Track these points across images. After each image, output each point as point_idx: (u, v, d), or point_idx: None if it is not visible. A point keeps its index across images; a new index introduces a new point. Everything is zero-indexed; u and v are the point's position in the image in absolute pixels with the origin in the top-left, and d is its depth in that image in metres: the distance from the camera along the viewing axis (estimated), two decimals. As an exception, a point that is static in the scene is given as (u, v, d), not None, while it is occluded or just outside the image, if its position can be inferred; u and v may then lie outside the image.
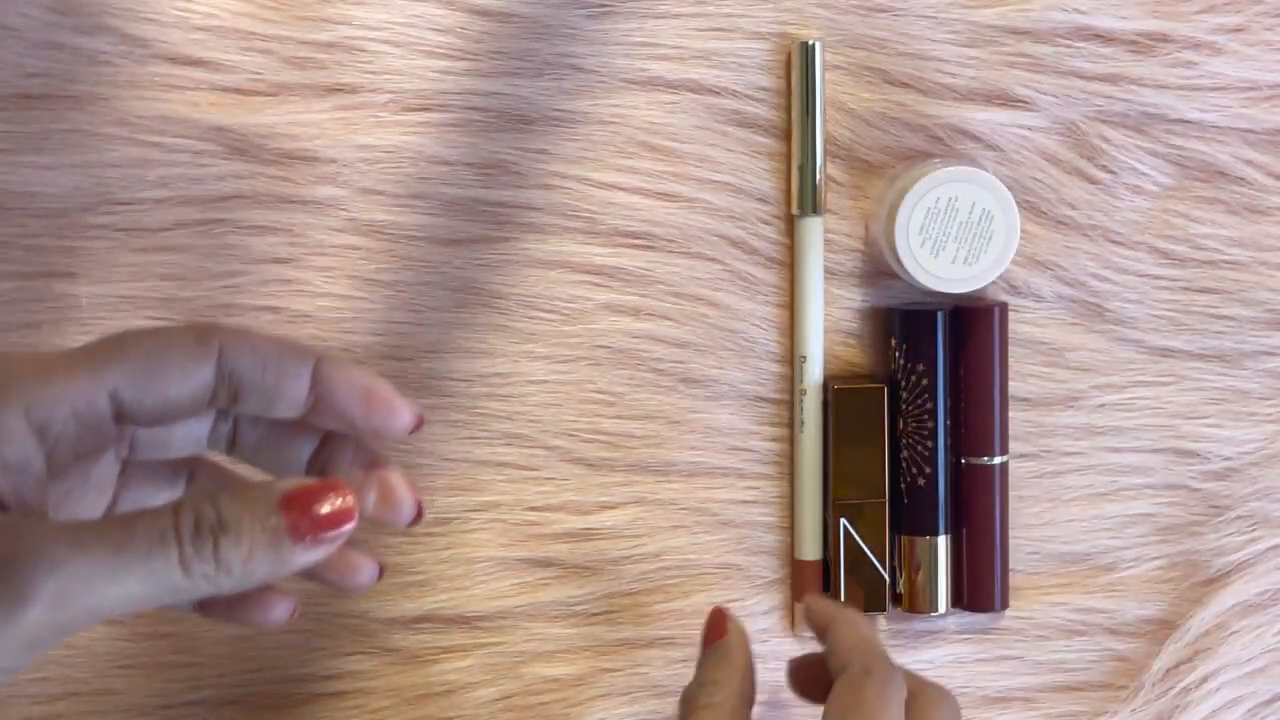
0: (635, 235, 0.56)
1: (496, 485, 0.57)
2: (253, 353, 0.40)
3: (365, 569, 0.44)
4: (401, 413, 0.42)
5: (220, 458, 0.44)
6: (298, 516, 0.37)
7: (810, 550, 0.57)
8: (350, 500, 0.38)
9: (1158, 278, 0.58)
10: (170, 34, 0.54)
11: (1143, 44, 0.56)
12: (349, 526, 0.38)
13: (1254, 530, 0.59)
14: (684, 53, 0.55)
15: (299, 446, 0.43)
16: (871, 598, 0.57)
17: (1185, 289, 0.58)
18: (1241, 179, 0.57)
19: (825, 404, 0.57)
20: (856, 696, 0.44)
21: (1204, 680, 0.58)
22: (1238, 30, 0.56)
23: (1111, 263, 0.57)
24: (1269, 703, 0.59)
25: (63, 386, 0.38)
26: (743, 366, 0.57)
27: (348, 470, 0.43)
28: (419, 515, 0.43)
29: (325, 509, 0.38)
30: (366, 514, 0.41)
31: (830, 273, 0.57)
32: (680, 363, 0.57)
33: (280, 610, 0.44)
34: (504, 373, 0.56)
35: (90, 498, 0.42)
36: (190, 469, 0.44)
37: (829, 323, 0.57)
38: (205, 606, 0.43)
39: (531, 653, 0.57)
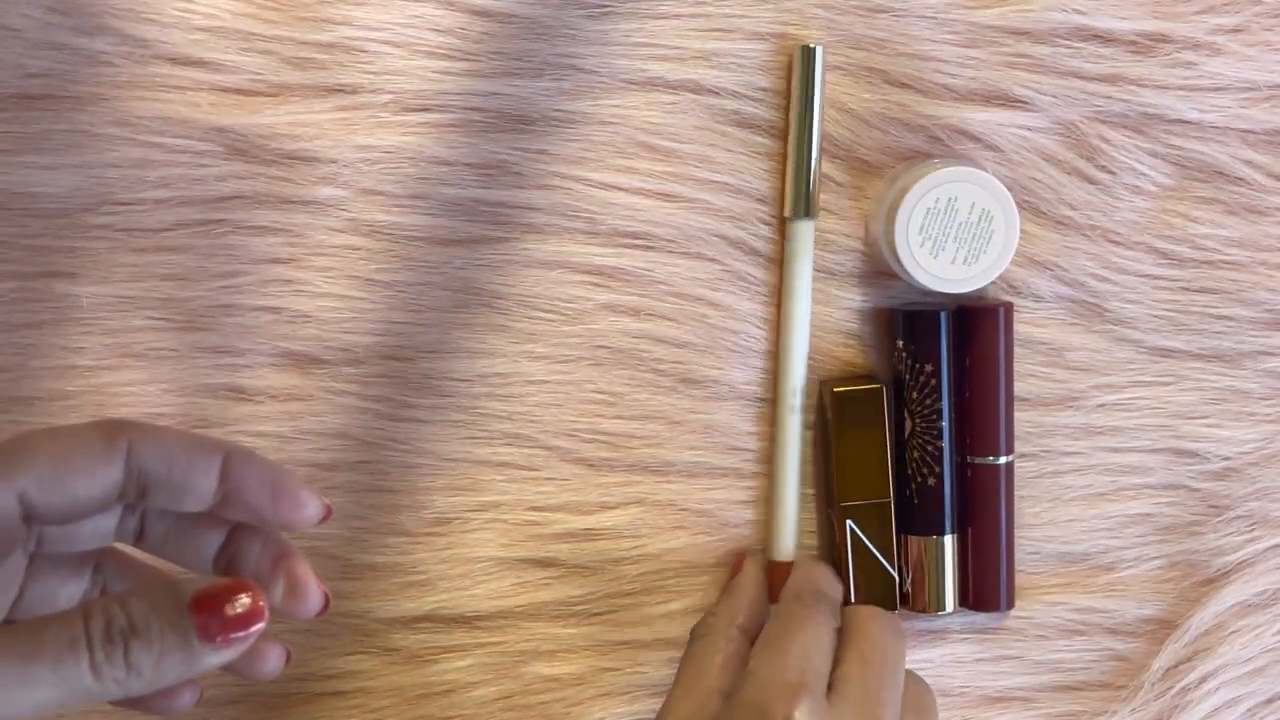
0: (635, 235, 0.56)
1: (497, 485, 0.57)
2: (161, 450, 0.41)
3: (272, 657, 0.44)
4: (308, 505, 0.43)
5: (128, 548, 0.46)
6: (207, 618, 0.38)
7: (784, 551, 0.57)
8: (260, 600, 0.39)
9: (1157, 278, 0.58)
10: (171, 34, 0.54)
11: (1142, 44, 0.56)
12: (259, 626, 0.39)
13: (1253, 530, 0.59)
14: (684, 53, 0.55)
15: (207, 538, 0.45)
16: (881, 598, 0.57)
17: (1185, 289, 0.58)
18: (1241, 179, 0.57)
19: (821, 406, 0.57)
20: (782, 620, 0.48)
21: (1203, 680, 0.58)
22: (1237, 31, 0.56)
23: (1111, 263, 0.57)
24: (1268, 702, 0.59)
25: None
26: (743, 366, 0.57)
27: (256, 563, 0.44)
28: (326, 605, 0.44)
29: (235, 610, 0.39)
30: (275, 607, 0.43)
31: (830, 273, 0.57)
32: (680, 363, 0.57)
33: (187, 698, 0.44)
34: (504, 373, 0.56)
35: None
36: (97, 559, 0.45)
37: (829, 323, 0.57)
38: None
39: (532, 652, 0.57)
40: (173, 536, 0.44)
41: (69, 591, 0.44)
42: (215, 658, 0.38)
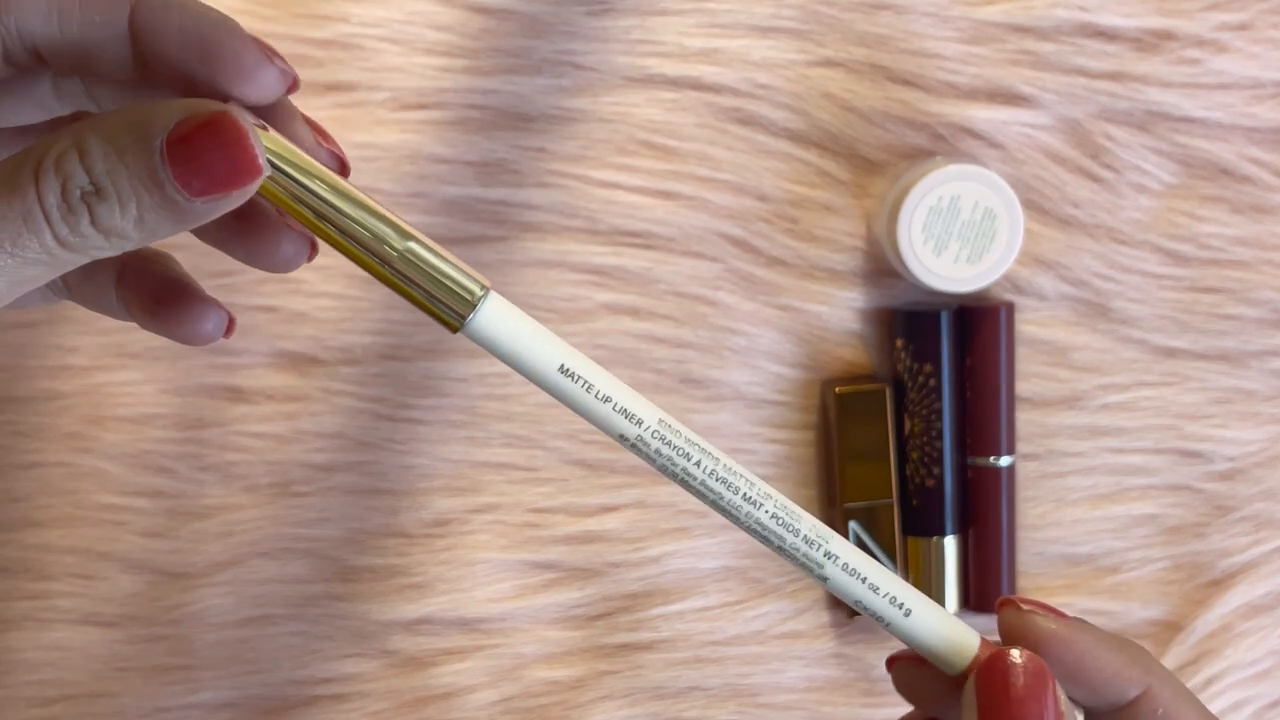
0: (635, 234, 0.56)
1: (496, 487, 0.56)
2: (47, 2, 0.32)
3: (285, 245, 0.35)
4: (259, 69, 0.32)
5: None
6: (186, 169, 0.29)
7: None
8: (244, 130, 0.30)
9: (1162, 277, 0.57)
10: (166, 31, 0.53)
11: (1147, 42, 0.56)
12: (254, 182, 0.30)
13: (1259, 531, 0.58)
14: (684, 50, 0.55)
15: None
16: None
17: (1189, 288, 0.58)
18: (1246, 177, 0.57)
19: (823, 406, 0.57)
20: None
21: (1209, 682, 0.58)
22: (1242, 28, 0.56)
23: (1115, 262, 0.57)
24: (1274, 705, 0.59)
25: None
26: (743, 367, 0.57)
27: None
28: (343, 171, 0.35)
29: (219, 159, 0.30)
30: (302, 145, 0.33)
31: (831, 272, 0.57)
32: (680, 363, 0.57)
33: (213, 322, 0.36)
34: (504, 373, 0.56)
35: None
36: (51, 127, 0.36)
37: (831, 323, 0.57)
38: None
39: (531, 655, 0.57)
40: (126, 97, 0.34)
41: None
42: (210, 208, 0.30)
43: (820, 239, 0.56)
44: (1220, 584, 0.59)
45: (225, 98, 0.32)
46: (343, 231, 0.32)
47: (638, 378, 0.56)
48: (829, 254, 0.57)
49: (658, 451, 0.34)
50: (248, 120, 0.30)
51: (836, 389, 0.56)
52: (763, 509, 0.35)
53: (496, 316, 0.33)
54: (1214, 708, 0.58)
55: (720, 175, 0.56)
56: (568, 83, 0.55)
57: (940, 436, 0.56)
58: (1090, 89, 0.56)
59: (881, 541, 0.56)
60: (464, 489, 0.56)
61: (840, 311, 0.57)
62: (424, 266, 0.32)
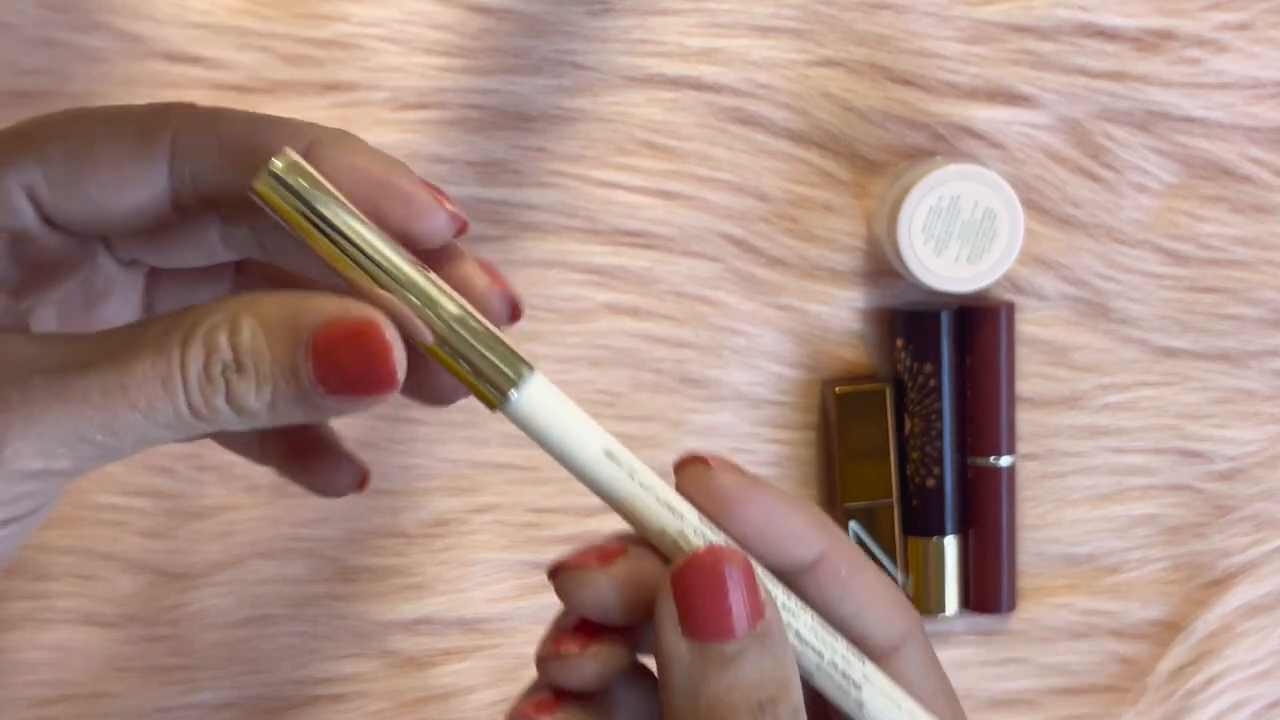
0: (635, 234, 0.56)
1: (495, 487, 0.56)
2: (219, 149, 0.32)
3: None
4: (429, 212, 0.31)
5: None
6: (325, 369, 0.30)
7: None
8: (389, 344, 0.30)
9: (1162, 277, 0.57)
10: (166, 31, 0.53)
11: (1147, 41, 0.56)
12: (387, 394, 0.30)
13: (1259, 531, 0.58)
14: (684, 50, 0.55)
15: None
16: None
17: (1190, 288, 0.57)
18: (1247, 177, 0.57)
19: (823, 406, 0.57)
20: None
21: (1209, 683, 0.58)
22: (1242, 28, 0.56)
23: (1116, 262, 0.57)
24: (1275, 705, 0.59)
25: None
26: (743, 367, 0.57)
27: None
28: (515, 312, 0.34)
29: (359, 366, 0.30)
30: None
31: (832, 272, 0.57)
32: (680, 363, 0.56)
33: (344, 477, 0.37)
34: (503, 373, 0.56)
35: (105, 307, 0.35)
36: (237, 269, 0.37)
37: (831, 322, 0.57)
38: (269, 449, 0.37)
39: (530, 656, 0.57)
40: (285, 251, 0.34)
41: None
42: (345, 408, 0.30)
43: (820, 239, 0.56)
44: (1221, 584, 0.59)
45: (398, 237, 0.31)
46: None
47: (638, 378, 0.56)
48: (829, 254, 0.56)
49: (794, 631, 0.32)
50: (394, 333, 0.30)
51: (836, 389, 0.56)
52: (800, 620, 0.33)
53: (540, 397, 0.31)
54: (1214, 708, 0.58)
55: (720, 175, 0.56)
56: (568, 82, 0.55)
57: (940, 436, 0.56)
58: (1090, 89, 0.56)
59: (881, 542, 0.56)
60: (463, 489, 0.56)
61: (840, 311, 0.57)
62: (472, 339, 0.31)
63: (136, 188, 0.32)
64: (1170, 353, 0.58)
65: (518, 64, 0.55)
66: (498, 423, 0.56)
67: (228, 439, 0.37)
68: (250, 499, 0.56)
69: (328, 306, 0.30)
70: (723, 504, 0.33)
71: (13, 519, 0.30)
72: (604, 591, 0.32)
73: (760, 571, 0.32)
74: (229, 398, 0.30)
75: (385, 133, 0.54)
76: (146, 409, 0.29)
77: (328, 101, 0.54)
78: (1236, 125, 0.57)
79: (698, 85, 0.55)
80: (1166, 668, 0.58)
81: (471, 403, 0.56)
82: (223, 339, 0.29)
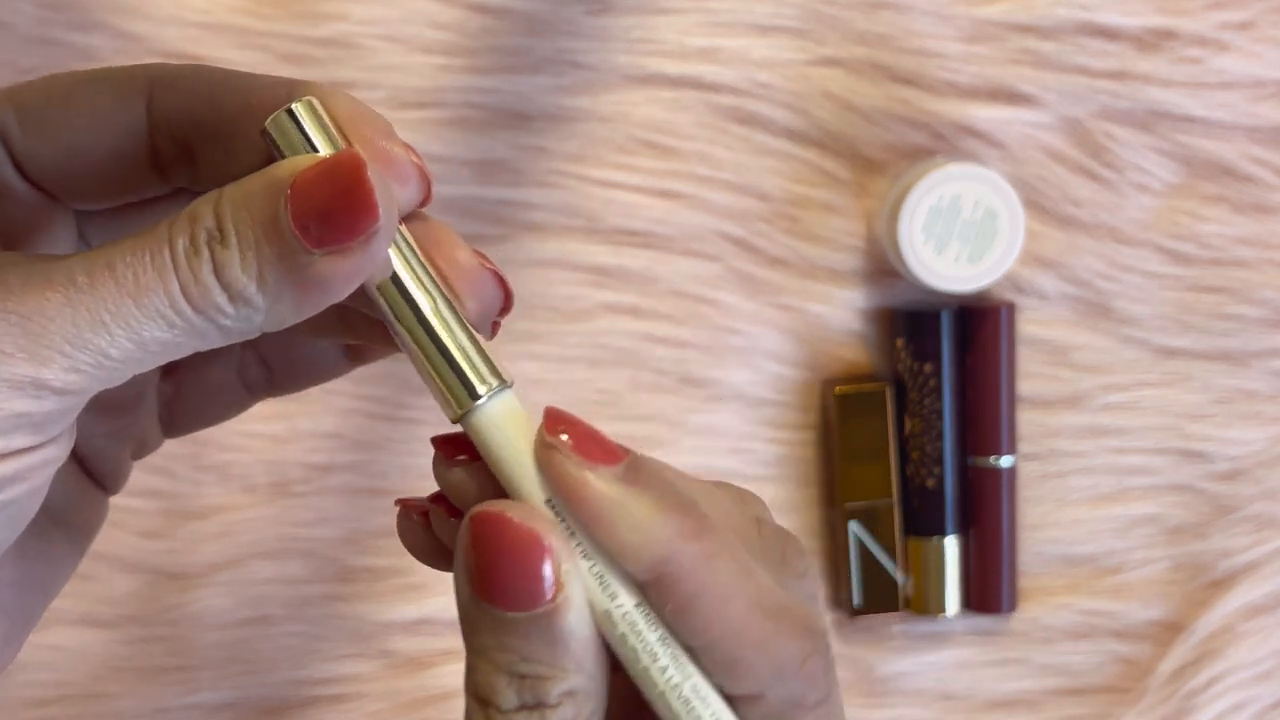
0: (635, 234, 0.56)
1: (495, 486, 0.56)
2: (197, 92, 0.31)
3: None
4: (406, 175, 0.30)
5: None
6: (303, 212, 0.28)
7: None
8: (364, 172, 0.28)
9: (1163, 276, 0.57)
10: (164, 30, 0.53)
11: (1148, 40, 0.56)
12: (377, 226, 0.28)
13: (1260, 532, 0.58)
14: (684, 49, 0.55)
15: None
16: (884, 600, 0.56)
17: (1191, 288, 0.57)
18: (1248, 177, 0.57)
19: (824, 406, 0.57)
20: None
21: (1210, 683, 0.58)
22: (1244, 27, 0.56)
23: (1117, 261, 0.57)
24: (1276, 706, 0.59)
25: None
26: (743, 367, 0.57)
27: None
28: (507, 297, 0.32)
29: (335, 199, 0.28)
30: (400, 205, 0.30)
31: (832, 271, 0.57)
32: (680, 363, 0.56)
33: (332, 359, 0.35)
34: (502, 373, 0.56)
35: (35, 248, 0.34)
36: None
37: (831, 322, 0.57)
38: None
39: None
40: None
41: None
42: (331, 267, 0.28)
43: (821, 238, 0.56)
44: (1222, 584, 0.59)
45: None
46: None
47: (638, 378, 0.56)
48: (829, 253, 0.56)
49: (622, 637, 0.29)
50: (374, 171, 0.28)
51: (837, 389, 0.56)
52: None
53: (500, 417, 0.30)
54: (1215, 708, 0.58)
55: (720, 174, 0.56)
56: (567, 82, 0.55)
57: (941, 436, 0.56)
58: (1092, 88, 0.56)
59: (882, 542, 0.56)
60: (463, 489, 0.56)
61: (841, 311, 0.57)
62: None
63: (111, 125, 0.31)
64: (1171, 353, 0.58)
65: (517, 63, 0.54)
66: (497, 423, 0.56)
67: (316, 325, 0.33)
68: (249, 499, 0.56)
69: (305, 156, 0.29)
70: (564, 491, 0.30)
71: (9, 452, 0.28)
72: (454, 484, 0.31)
73: (580, 556, 0.29)
74: (216, 270, 0.28)
75: (384, 132, 0.54)
76: (134, 288, 0.27)
77: (327, 100, 0.54)
78: (1238, 125, 0.56)
79: (698, 84, 0.55)
80: (1167, 668, 0.58)
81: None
82: (207, 209, 0.28)
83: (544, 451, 0.30)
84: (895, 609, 0.57)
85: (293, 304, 0.28)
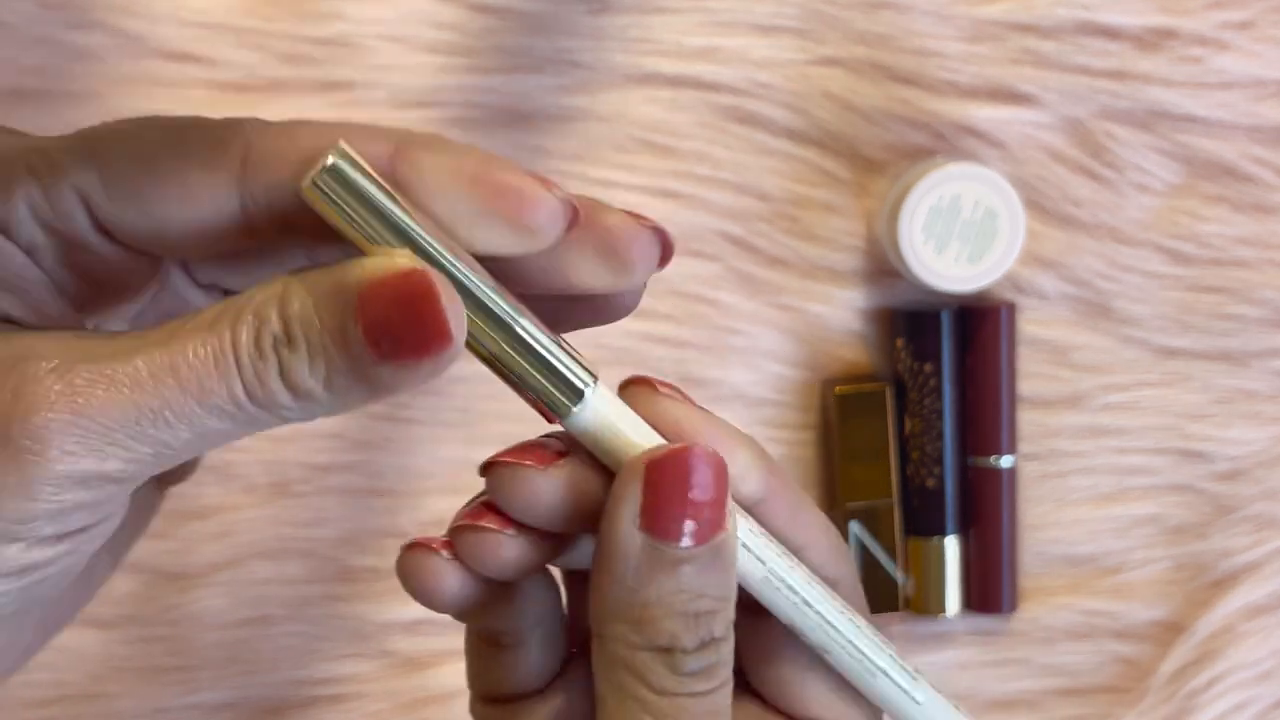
0: (635, 233, 0.56)
1: (495, 487, 0.56)
2: (295, 162, 0.28)
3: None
4: (538, 200, 0.29)
5: None
6: (374, 329, 0.27)
7: None
8: (437, 293, 0.27)
9: (1164, 276, 0.57)
10: (163, 29, 0.53)
11: (1149, 40, 0.56)
12: (445, 352, 0.27)
13: (1261, 532, 0.58)
14: (684, 49, 0.55)
15: None
16: (884, 600, 0.56)
17: (1191, 288, 0.57)
18: (1249, 177, 0.57)
19: (824, 406, 0.57)
20: None
21: (1211, 683, 0.58)
22: (1244, 26, 0.56)
23: (1117, 261, 0.57)
24: (1277, 706, 0.59)
25: (20, 180, 0.29)
26: (743, 367, 0.57)
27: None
28: (666, 250, 0.32)
29: (406, 319, 0.27)
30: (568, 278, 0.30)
31: (832, 271, 0.56)
32: (680, 363, 0.56)
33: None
34: (502, 373, 0.56)
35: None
36: None
37: (831, 322, 0.57)
38: None
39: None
40: None
41: None
42: (401, 379, 0.27)
43: (821, 238, 0.56)
44: (1222, 584, 0.58)
45: (510, 238, 0.29)
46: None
47: (637, 377, 0.56)
48: (829, 253, 0.56)
49: (760, 546, 0.31)
50: (445, 282, 0.27)
51: (837, 389, 0.56)
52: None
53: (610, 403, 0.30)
54: (1216, 709, 0.58)
55: (720, 174, 0.56)
56: (567, 81, 0.55)
57: (941, 436, 0.56)
58: (1092, 88, 0.56)
59: (882, 542, 0.56)
60: (462, 489, 0.56)
61: (841, 311, 0.57)
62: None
63: (201, 201, 0.29)
64: (1171, 353, 0.58)
65: (517, 63, 0.54)
66: (495, 423, 0.56)
67: None
68: (249, 499, 0.56)
69: (373, 263, 0.27)
70: (674, 433, 0.31)
71: (66, 534, 0.28)
72: (542, 494, 0.31)
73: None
74: (283, 373, 0.27)
75: (384, 132, 0.54)
76: (198, 390, 0.27)
77: (326, 101, 0.54)
78: (1238, 124, 0.56)
79: (697, 84, 0.55)
80: (1168, 668, 0.58)
81: (469, 402, 0.56)
82: (272, 311, 0.27)
83: (658, 401, 0.31)
84: (895, 609, 0.57)
85: (359, 403, 0.28)
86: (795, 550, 0.32)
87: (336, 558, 0.56)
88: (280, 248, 0.31)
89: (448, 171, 0.28)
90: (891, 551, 0.56)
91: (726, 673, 0.30)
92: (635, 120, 0.55)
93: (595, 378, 0.30)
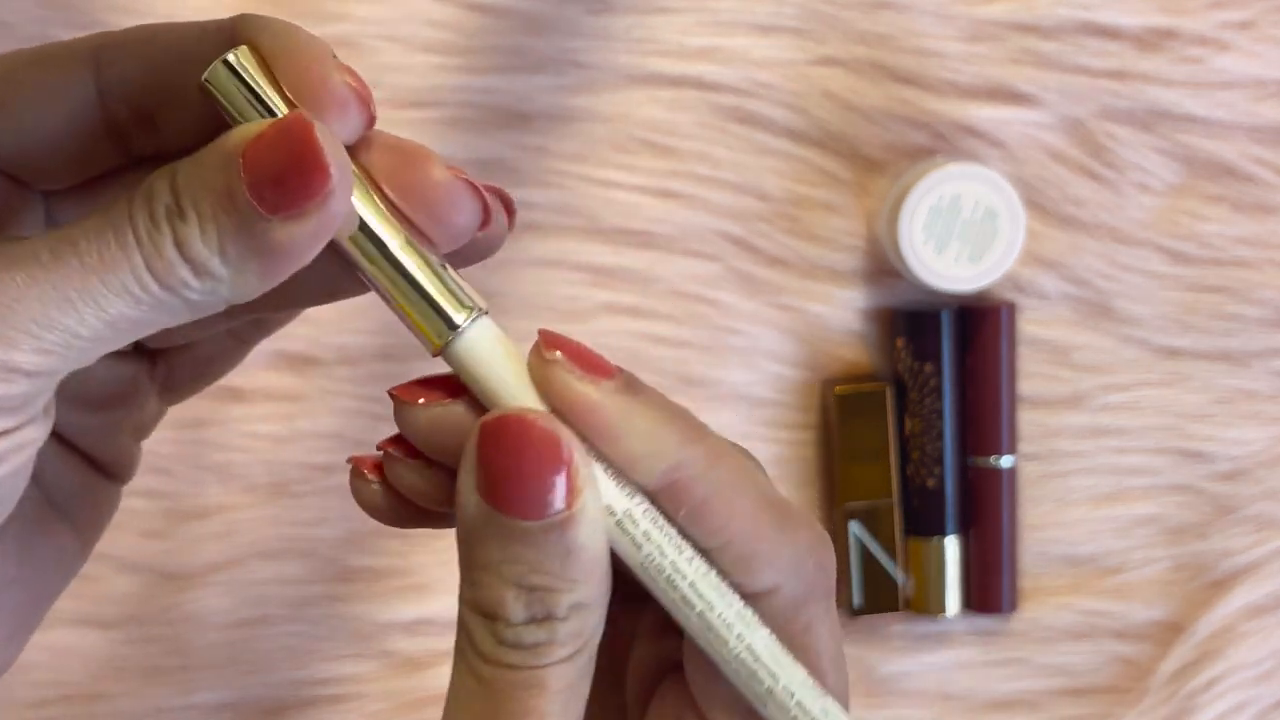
0: (635, 233, 0.56)
1: (495, 486, 0.56)
2: (146, 53, 0.30)
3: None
4: (347, 105, 0.29)
5: None
6: (257, 180, 0.27)
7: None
8: (314, 132, 0.27)
9: (1164, 276, 0.57)
10: (164, 29, 0.53)
11: (1149, 40, 0.56)
12: (330, 186, 0.27)
13: (1261, 532, 0.58)
14: (684, 49, 0.55)
15: None
16: (884, 600, 0.56)
17: (1192, 288, 0.57)
18: (1249, 176, 0.57)
19: (823, 406, 0.57)
20: None
21: (1211, 683, 0.58)
22: (1244, 26, 0.56)
23: (1117, 261, 0.57)
24: (1277, 706, 0.59)
25: None
26: (743, 367, 0.57)
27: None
28: (485, 213, 0.31)
29: (287, 160, 0.27)
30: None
31: (832, 271, 0.57)
32: (680, 363, 0.56)
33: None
34: (502, 373, 0.56)
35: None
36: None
37: (832, 322, 0.57)
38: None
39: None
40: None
41: None
42: (291, 233, 0.27)
43: (821, 238, 0.56)
44: (1223, 584, 0.59)
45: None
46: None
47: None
48: (829, 253, 0.56)
49: (637, 540, 0.29)
50: (324, 129, 0.28)
51: (837, 389, 0.56)
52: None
53: (486, 342, 0.30)
54: (1216, 709, 0.58)
55: (720, 174, 0.56)
56: (567, 81, 0.55)
57: (941, 436, 0.56)
58: (1092, 88, 0.56)
59: (882, 542, 0.56)
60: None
61: (841, 311, 0.57)
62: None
63: (63, 100, 0.30)
64: (1172, 352, 0.58)
65: (517, 63, 0.54)
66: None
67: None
68: (248, 499, 0.56)
69: (254, 124, 0.28)
70: (545, 395, 0.29)
71: None
72: (421, 429, 0.30)
73: (597, 465, 0.29)
74: (178, 244, 0.27)
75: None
76: (99, 265, 0.27)
77: (326, 100, 0.54)
78: (1238, 124, 0.56)
79: (698, 84, 0.55)
80: (1168, 668, 0.58)
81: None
82: (164, 185, 0.28)
83: (544, 367, 0.29)
84: (896, 609, 0.57)
85: (257, 273, 0.28)
86: (705, 552, 0.29)
87: (336, 558, 0.56)
88: (145, 167, 0.31)
89: (288, 56, 0.29)
90: (891, 552, 0.56)
91: (564, 652, 0.29)
92: (636, 120, 0.55)
93: (483, 311, 0.30)
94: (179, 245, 0.27)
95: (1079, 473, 0.58)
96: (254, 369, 0.55)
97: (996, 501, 0.57)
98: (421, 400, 0.30)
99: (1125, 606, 0.58)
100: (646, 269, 0.56)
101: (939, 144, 0.56)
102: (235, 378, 0.55)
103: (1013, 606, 0.57)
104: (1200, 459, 0.58)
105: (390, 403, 0.30)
